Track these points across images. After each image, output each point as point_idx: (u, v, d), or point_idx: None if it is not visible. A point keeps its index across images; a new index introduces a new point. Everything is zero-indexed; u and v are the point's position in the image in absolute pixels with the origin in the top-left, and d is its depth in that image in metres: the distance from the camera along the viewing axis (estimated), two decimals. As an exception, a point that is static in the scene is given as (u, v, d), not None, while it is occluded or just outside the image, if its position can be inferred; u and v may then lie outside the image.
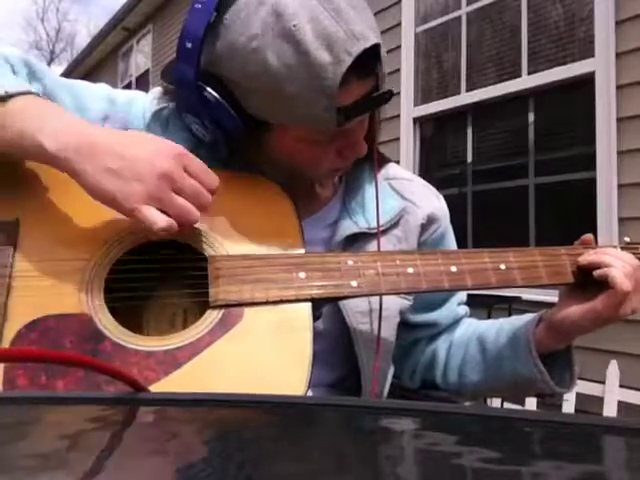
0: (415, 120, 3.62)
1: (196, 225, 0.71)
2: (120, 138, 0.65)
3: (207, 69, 0.70)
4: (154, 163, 0.62)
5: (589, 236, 0.81)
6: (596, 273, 0.75)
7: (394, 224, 0.85)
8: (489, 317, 2.50)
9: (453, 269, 0.73)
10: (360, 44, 0.65)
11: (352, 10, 0.66)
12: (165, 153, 0.63)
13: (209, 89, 0.69)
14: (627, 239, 0.85)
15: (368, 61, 0.67)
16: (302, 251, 0.72)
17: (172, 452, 0.33)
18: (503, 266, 0.75)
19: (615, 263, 0.74)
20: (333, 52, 0.64)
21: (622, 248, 0.81)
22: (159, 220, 0.61)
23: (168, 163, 0.62)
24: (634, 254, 0.78)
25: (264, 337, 0.66)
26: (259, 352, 0.65)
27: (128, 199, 0.61)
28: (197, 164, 0.65)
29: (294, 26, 0.63)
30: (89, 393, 0.56)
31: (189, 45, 0.68)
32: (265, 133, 0.73)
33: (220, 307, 0.67)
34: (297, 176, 0.78)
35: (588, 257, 0.77)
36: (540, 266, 0.76)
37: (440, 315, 0.94)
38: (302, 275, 0.69)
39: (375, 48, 0.67)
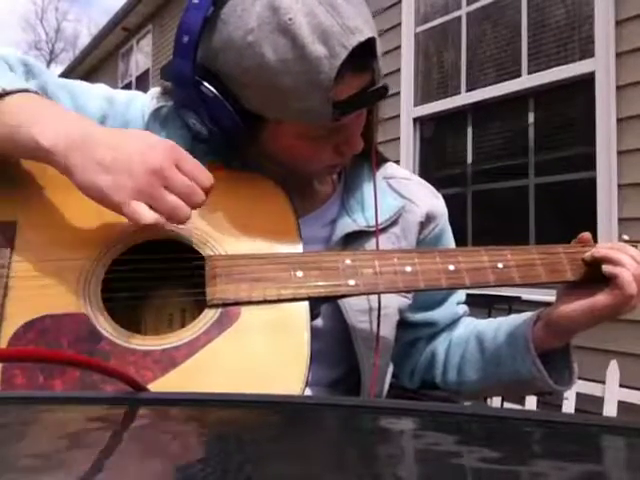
0: (415, 120, 3.62)
1: (194, 224, 0.71)
2: (113, 133, 0.65)
3: (204, 64, 0.70)
4: (146, 159, 0.61)
5: (587, 234, 0.81)
6: (606, 269, 0.73)
7: (393, 222, 0.85)
8: (489, 317, 2.50)
9: (451, 268, 0.73)
10: (355, 37, 0.65)
11: (348, 4, 0.66)
12: (158, 149, 0.62)
13: (206, 84, 0.69)
14: (625, 237, 0.85)
15: (364, 55, 0.67)
16: (299, 250, 0.72)
17: (171, 452, 0.33)
18: (501, 265, 0.75)
19: (628, 264, 0.73)
20: (329, 46, 0.64)
21: None
22: (146, 215, 0.60)
23: (160, 159, 0.61)
24: None
25: (261, 336, 0.66)
26: (256, 351, 0.65)
27: (117, 193, 0.60)
28: (191, 162, 0.64)
29: (290, 20, 0.64)
30: (88, 393, 0.56)
31: (186, 39, 0.68)
32: (262, 129, 0.73)
33: (217, 306, 0.67)
34: (295, 173, 0.78)
35: (602, 250, 0.75)
36: (538, 264, 0.77)
37: (439, 314, 0.94)
38: (299, 274, 0.69)
39: (371, 42, 0.67)
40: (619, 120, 2.52)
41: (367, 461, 0.32)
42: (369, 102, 0.73)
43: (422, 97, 3.63)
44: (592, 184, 2.60)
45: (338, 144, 0.75)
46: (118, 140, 0.63)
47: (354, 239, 0.81)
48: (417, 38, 3.67)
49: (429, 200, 0.91)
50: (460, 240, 0.93)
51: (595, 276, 0.76)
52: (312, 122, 0.70)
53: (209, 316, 0.66)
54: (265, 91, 0.68)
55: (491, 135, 3.33)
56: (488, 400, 2.33)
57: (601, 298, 0.74)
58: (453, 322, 0.96)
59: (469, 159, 3.39)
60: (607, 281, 0.74)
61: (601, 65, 2.60)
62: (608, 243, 0.78)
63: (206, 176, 0.65)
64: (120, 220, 0.70)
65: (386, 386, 0.90)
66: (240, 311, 0.67)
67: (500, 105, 3.20)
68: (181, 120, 0.78)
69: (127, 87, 8.92)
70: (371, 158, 0.85)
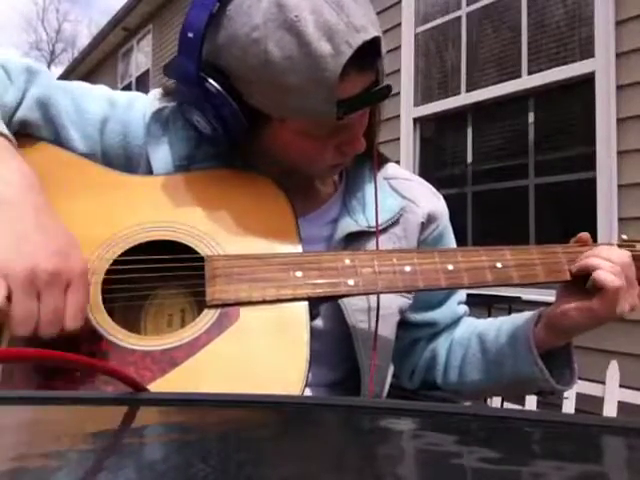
0: (415, 120, 3.62)
1: (194, 225, 0.72)
2: (46, 216, 0.63)
3: (209, 61, 0.70)
4: (49, 257, 0.59)
5: (585, 234, 0.82)
6: (588, 285, 0.76)
7: (394, 223, 0.85)
8: (489, 317, 2.50)
9: (450, 267, 0.73)
10: (360, 36, 0.65)
11: (354, 3, 0.66)
12: (67, 260, 0.60)
13: (211, 80, 0.69)
14: (624, 236, 0.85)
15: (368, 54, 0.67)
16: (299, 250, 0.72)
17: (171, 452, 0.33)
18: (500, 264, 0.75)
19: (601, 264, 0.75)
20: (334, 44, 0.64)
21: (619, 246, 0.81)
22: None
23: (59, 268, 0.59)
24: (632, 252, 0.79)
25: (261, 336, 0.66)
26: (256, 351, 0.65)
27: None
28: (80, 296, 0.61)
29: (296, 17, 0.64)
30: (89, 393, 0.56)
31: (191, 36, 0.68)
32: (265, 126, 0.73)
33: (217, 307, 0.67)
34: (297, 173, 0.79)
35: (577, 264, 0.78)
36: (537, 264, 0.77)
37: (440, 314, 0.94)
38: (299, 274, 0.69)
39: (375, 42, 0.67)
40: (619, 120, 2.52)
41: (367, 461, 0.32)
42: (373, 101, 0.73)
43: (422, 97, 3.63)
44: (592, 184, 2.60)
45: (340, 144, 0.76)
46: (46, 226, 0.62)
47: (355, 239, 0.81)
48: (417, 38, 3.67)
49: (430, 200, 0.91)
50: (460, 240, 0.93)
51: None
52: (316, 120, 0.70)
53: (209, 316, 0.66)
54: (269, 88, 0.68)
55: (491, 135, 3.33)
56: (488, 400, 2.33)
57: (596, 298, 0.75)
58: (454, 322, 0.96)
59: (469, 159, 3.39)
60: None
61: (601, 65, 2.60)
62: (586, 252, 0.79)
63: (77, 319, 0.60)
64: (120, 220, 0.70)
65: (386, 386, 0.90)
66: (240, 311, 0.67)
67: (500, 105, 3.20)
68: (183, 121, 0.78)
69: (127, 87, 8.92)
70: (372, 158, 0.85)
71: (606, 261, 0.75)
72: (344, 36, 0.64)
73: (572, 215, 2.84)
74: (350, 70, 0.66)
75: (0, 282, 0.57)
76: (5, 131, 0.69)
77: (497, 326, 0.88)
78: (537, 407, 2.37)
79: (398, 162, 3.48)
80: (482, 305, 2.60)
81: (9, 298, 0.57)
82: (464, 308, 0.97)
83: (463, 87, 3.41)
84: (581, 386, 2.33)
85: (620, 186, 2.50)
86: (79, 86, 0.81)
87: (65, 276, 0.60)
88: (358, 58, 0.66)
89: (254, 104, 0.71)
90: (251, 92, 0.70)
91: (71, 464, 0.31)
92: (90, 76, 10.56)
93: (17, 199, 0.62)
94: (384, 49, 0.70)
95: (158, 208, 0.73)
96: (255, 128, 0.73)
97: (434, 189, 0.95)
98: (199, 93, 0.70)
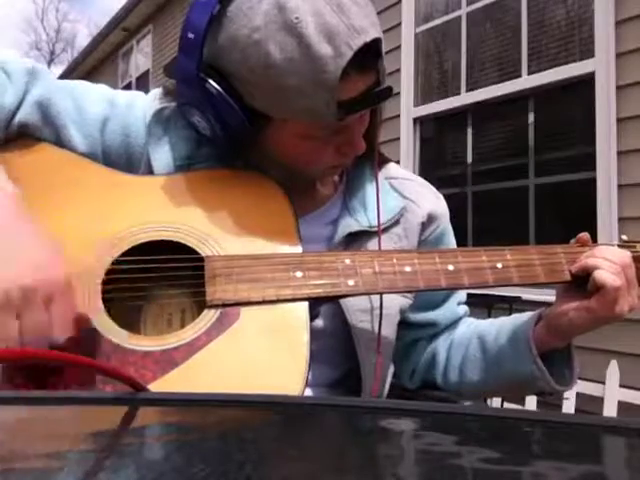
0: (415, 120, 3.62)
1: (194, 225, 0.72)
2: (21, 230, 0.62)
3: (209, 62, 0.70)
4: (25, 274, 0.58)
5: (585, 235, 0.82)
6: (589, 284, 0.76)
7: (395, 223, 0.85)
8: (489, 317, 2.50)
9: (450, 268, 0.73)
10: (361, 38, 0.65)
11: (354, 5, 0.66)
12: (44, 274, 0.59)
13: (211, 81, 0.69)
14: (624, 237, 0.85)
15: (369, 56, 0.67)
16: (299, 250, 0.72)
17: (171, 452, 0.33)
18: (500, 265, 0.75)
19: (601, 264, 0.75)
20: (334, 45, 0.64)
21: (619, 246, 0.81)
22: None
23: (37, 283, 0.58)
24: (632, 252, 0.79)
25: (261, 337, 0.66)
26: (256, 352, 0.65)
27: None
28: (64, 308, 0.60)
29: (296, 19, 0.64)
30: (88, 393, 0.56)
31: (191, 36, 0.68)
32: (266, 127, 0.73)
33: (217, 307, 0.67)
34: (297, 173, 0.79)
35: (577, 264, 0.78)
36: (537, 264, 0.77)
37: (440, 314, 0.94)
38: (299, 274, 0.69)
39: (376, 43, 0.67)
40: (619, 120, 2.51)
41: (367, 461, 0.32)
42: (373, 102, 0.73)
43: (422, 97, 3.63)
44: (592, 184, 2.60)
45: (341, 145, 0.76)
46: (18, 242, 0.61)
47: (356, 239, 0.81)
48: (417, 38, 3.67)
49: (431, 201, 0.91)
50: (460, 240, 0.93)
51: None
52: (316, 121, 0.70)
53: (209, 316, 0.66)
54: (270, 89, 0.68)
55: (491, 135, 3.33)
56: (488, 400, 2.33)
57: (595, 299, 0.75)
58: (454, 322, 0.96)
59: (469, 159, 3.39)
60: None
61: (601, 65, 2.60)
62: (587, 252, 0.79)
63: (64, 331, 0.60)
64: (120, 221, 0.70)
65: (387, 386, 0.90)
66: (240, 311, 0.67)
67: (500, 105, 3.20)
68: (184, 121, 0.78)
69: (127, 87, 8.92)
70: (373, 159, 0.85)
71: (606, 261, 0.75)
72: (345, 38, 0.64)
73: (572, 215, 2.84)
74: (351, 71, 0.66)
75: None
76: None
77: (497, 326, 0.88)
78: (537, 407, 2.37)
79: (398, 162, 3.48)
80: (482, 305, 2.60)
81: None
82: (464, 308, 0.97)
83: (463, 87, 3.41)
84: (581, 386, 2.33)
85: (620, 186, 2.50)
86: (80, 85, 0.81)
87: (43, 290, 0.59)
88: (359, 59, 0.66)
89: (254, 105, 0.71)
90: (251, 93, 0.70)
91: (71, 464, 0.31)
92: (90, 76, 10.56)
93: None
94: (385, 51, 0.70)
95: (158, 208, 0.73)
96: (255, 129, 0.73)
97: (434, 189, 0.95)
98: (199, 94, 0.70)
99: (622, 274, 0.74)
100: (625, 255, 0.77)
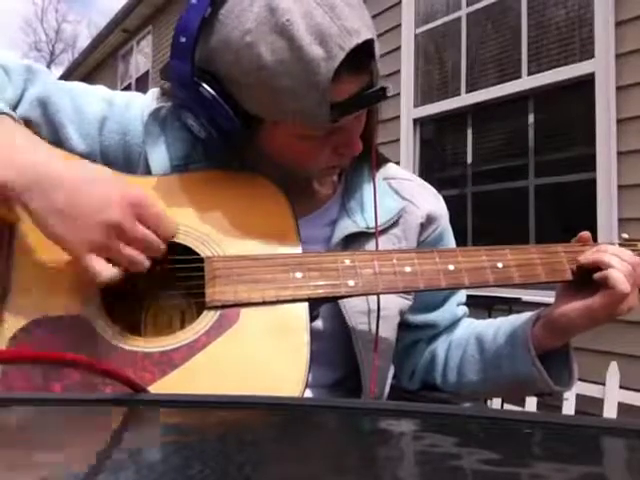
0: (415, 121, 3.63)
1: (193, 225, 0.71)
2: (76, 177, 0.64)
3: (202, 65, 0.70)
4: (104, 211, 0.62)
5: (586, 233, 0.81)
6: (596, 276, 0.75)
7: (393, 224, 0.85)
8: (489, 318, 2.50)
9: (450, 268, 0.73)
10: (353, 39, 0.65)
11: (346, 6, 0.66)
12: (118, 201, 0.63)
13: (205, 85, 0.69)
14: (625, 235, 0.85)
15: (361, 57, 0.67)
16: (299, 251, 0.72)
17: (171, 453, 0.33)
18: (500, 264, 0.75)
19: (615, 263, 0.74)
20: (326, 47, 0.64)
21: (620, 245, 0.81)
22: (103, 271, 0.62)
23: (119, 212, 0.63)
24: (632, 251, 0.78)
25: (261, 338, 0.66)
26: (255, 353, 0.65)
27: (74, 245, 0.62)
28: (152, 213, 0.66)
29: (287, 21, 0.64)
30: (88, 394, 0.56)
31: (183, 40, 0.68)
32: (260, 130, 0.73)
33: (216, 308, 0.67)
34: (293, 174, 0.78)
35: (589, 256, 0.77)
36: (537, 264, 0.76)
37: (439, 316, 0.94)
38: (299, 275, 0.69)
39: (369, 44, 0.67)
40: (619, 121, 2.52)
41: (367, 462, 0.32)
42: (367, 104, 0.73)
43: (422, 98, 3.64)
44: (592, 185, 2.61)
45: (337, 146, 0.75)
46: (80, 185, 0.64)
47: (354, 240, 0.81)
48: (417, 39, 3.67)
49: (430, 201, 0.91)
50: (460, 241, 0.93)
51: (592, 277, 0.76)
52: (309, 123, 0.70)
53: (208, 318, 0.66)
54: (262, 92, 0.68)
55: (491, 136, 3.33)
56: (488, 401, 2.33)
57: (597, 299, 0.74)
58: (453, 323, 0.96)
59: (469, 160, 3.39)
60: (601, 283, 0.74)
61: (601, 66, 2.60)
62: (593, 248, 0.78)
63: (168, 227, 0.68)
64: None
65: (387, 388, 0.90)
66: (239, 313, 0.66)
67: (500, 106, 3.20)
68: (180, 121, 0.77)
69: (127, 88, 8.93)
70: (371, 159, 0.85)
71: (619, 259, 0.74)
72: (336, 39, 0.64)
73: (572, 216, 2.84)
74: (343, 73, 0.66)
75: (93, 259, 0.62)
76: (10, 112, 0.69)
77: (495, 327, 0.88)
78: (537, 408, 2.37)
79: (398, 163, 3.48)
80: (482, 306, 2.60)
81: (109, 261, 0.63)
82: (464, 309, 0.97)
83: (463, 88, 3.41)
84: (581, 387, 2.33)
85: (620, 186, 2.50)
86: (78, 86, 0.81)
87: (129, 214, 0.64)
88: (351, 61, 0.65)
89: (248, 108, 0.70)
90: (244, 96, 0.70)
91: (71, 465, 0.31)
92: (90, 77, 10.57)
93: (42, 172, 0.63)
94: (378, 51, 0.70)
95: None
96: (250, 131, 0.73)
97: (434, 190, 0.95)
98: (193, 97, 0.70)
99: (632, 275, 0.74)
100: (635, 256, 0.77)
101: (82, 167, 0.67)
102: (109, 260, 0.63)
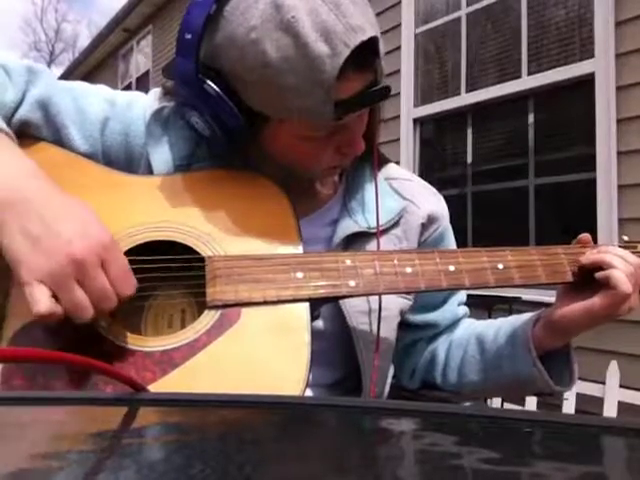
0: (415, 121, 3.63)
1: (194, 225, 0.72)
2: (53, 202, 0.63)
3: (207, 62, 0.70)
4: (72, 246, 0.59)
5: (586, 236, 0.81)
6: (598, 275, 0.75)
7: (394, 224, 0.85)
8: (489, 318, 2.50)
9: (451, 268, 0.73)
10: (358, 37, 0.65)
11: (351, 3, 0.66)
12: (89, 239, 0.61)
13: (209, 82, 0.69)
14: (625, 237, 0.85)
15: (366, 54, 0.67)
16: (300, 250, 0.72)
17: (172, 452, 0.33)
18: (501, 265, 0.75)
19: (618, 263, 0.74)
20: (331, 44, 0.64)
21: (620, 247, 0.81)
22: (41, 304, 0.57)
23: (86, 252, 0.60)
24: (633, 253, 0.78)
25: (261, 337, 0.66)
26: (256, 352, 0.65)
27: (26, 270, 0.59)
28: (119, 265, 0.62)
29: (293, 18, 0.64)
30: (88, 393, 0.56)
31: (188, 36, 0.68)
32: (264, 127, 0.73)
33: (217, 307, 0.67)
34: (296, 174, 0.78)
35: (590, 256, 0.77)
36: (538, 265, 0.77)
37: (440, 316, 0.94)
38: (300, 275, 0.69)
39: (373, 42, 0.67)
40: (619, 121, 2.52)
41: (367, 462, 0.32)
42: (371, 102, 0.73)
43: (422, 98, 3.64)
44: (592, 185, 2.61)
45: (339, 145, 0.75)
46: (55, 214, 0.62)
47: (355, 240, 0.81)
48: (417, 39, 3.67)
49: (431, 202, 0.91)
50: (460, 241, 0.93)
51: (593, 278, 0.76)
52: (313, 121, 0.70)
53: (209, 317, 0.66)
54: (267, 89, 0.68)
55: (491, 136, 3.33)
56: (488, 401, 2.33)
57: (598, 300, 0.74)
58: (453, 323, 0.96)
59: (469, 160, 3.39)
60: (603, 284, 0.74)
61: (601, 66, 2.60)
62: (595, 249, 0.79)
63: (128, 284, 0.63)
64: (120, 222, 0.70)
65: (387, 387, 0.90)
66: (240, 312, 0.66)
67: (500, 106, 3.20)
68: (183, 121, 0.77)
69: (127, 88, 8.92)
70: (373, 159, 0.85)
71: (623, 260, 0.74)
72: (341, 36, 0.64)
73: (572, 216, 2.84)
74: (348, 70, 0.66)
75: (39, 288, 0.58)
76: (5, 128, 0.69)
77: (496, 327, 0.88)
78: (537, 407, 2.37)
79: (398, 163, 3.48)
80: (482, 306, 2.60)
81: (55, 297, 0.58)
82: (464, 309, 0.97)
83: (463, 88, 3.41)
84: (581, 386, 2.33)
85: (620, 186, 2.50)
86: (79, 86, 0.81)
87: (96, 255, 0.60)
88: (356, 58, 0.65)
89: (252, 105, 0.70)
90: (249, 93, 0.70)
91: (71, 465, 0.31)
92: (90, 77, 10.56)
93: (21, 193, 0.62)
94: (382, 49, 0.70)
95: (158, 208, 0.73)
96: (254, 129, 0.73)
97: (434, 190, 0.95)
98: (197, 94, 0.70)
99: (634, 277, 0.74)
100: (634, 256, 0.77)
101: (59, 193, 0.65)
102: (55, 297, 0.58)
